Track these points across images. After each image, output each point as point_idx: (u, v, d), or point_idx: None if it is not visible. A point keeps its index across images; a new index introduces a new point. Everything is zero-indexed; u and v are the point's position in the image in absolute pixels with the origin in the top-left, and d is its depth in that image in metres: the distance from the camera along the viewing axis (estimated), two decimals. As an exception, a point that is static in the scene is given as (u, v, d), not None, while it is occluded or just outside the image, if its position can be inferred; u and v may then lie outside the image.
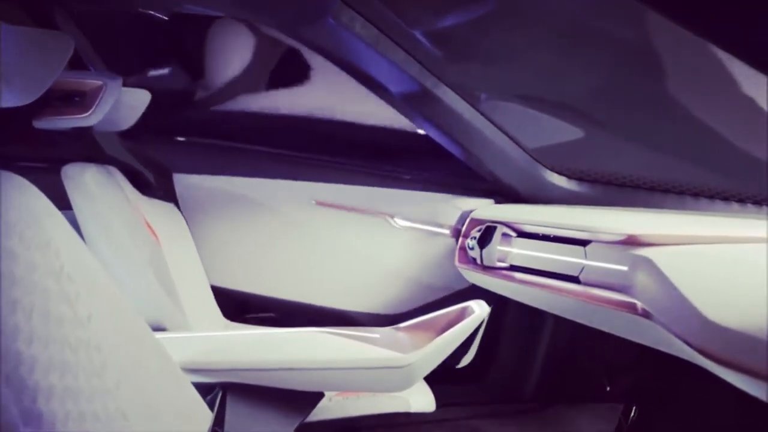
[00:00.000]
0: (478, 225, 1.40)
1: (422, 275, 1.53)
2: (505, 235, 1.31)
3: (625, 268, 1.04)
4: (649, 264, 0.97)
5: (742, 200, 1.37)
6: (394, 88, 1.27)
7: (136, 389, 0.67)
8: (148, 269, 1.06)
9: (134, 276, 1.01)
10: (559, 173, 1.43)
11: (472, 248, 1.40)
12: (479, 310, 0.89)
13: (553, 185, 1.43)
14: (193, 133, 1.62)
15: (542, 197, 1.43)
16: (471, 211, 1.45)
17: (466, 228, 1.43)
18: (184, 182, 1.55)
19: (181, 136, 1.61)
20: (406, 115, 1.37)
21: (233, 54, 1.55)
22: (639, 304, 0.95)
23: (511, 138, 1.38)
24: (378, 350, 0.82)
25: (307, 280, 1.56)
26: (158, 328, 0.96)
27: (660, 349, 0.95)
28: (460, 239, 1.44)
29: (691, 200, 1.39)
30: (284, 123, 1.63)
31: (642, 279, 0.98)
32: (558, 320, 1.43)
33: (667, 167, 1.38)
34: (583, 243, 1.13)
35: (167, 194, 1.52)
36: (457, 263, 1.42)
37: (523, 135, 1.39)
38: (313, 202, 1.54)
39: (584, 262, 1.11)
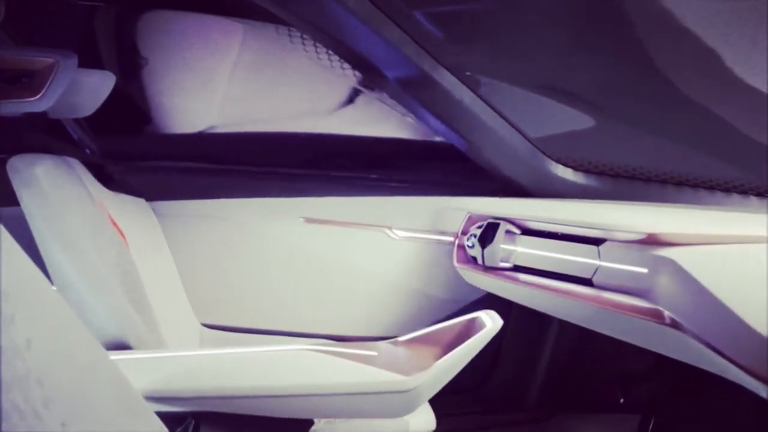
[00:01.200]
0: (478, 221, 1.29)
1: (429, 289, 1.42)
2: (508, 232, 1.20)
3: (644, 271, 0.94)
4: (673, 266, 0.87)
5: (760, 194, 1.28)
6: (388, 70, 1.16)
7: (87, 429, 0.54)
8: (111, 276, 0.93)
9: (94, 285, 0.88)
10: (565, 165, 1.33)
11: (471, 246, 1.29)
12: (491, 323, 0.78)
13: (558, 178, 1.33)
14: (160, 156, 1.48)
15: (546, 191, 1.33)
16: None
17: (465, 225, 1.33)
18: (157, 211, 1.41)
19: (149, 161, 1.46)
20: (399, 101, 1.27)
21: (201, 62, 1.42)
22: (666, 313, 0.85)
23: (513, 126, 1.27)
24: (377, 372, 0.71)
25: (301, 308, 1.43)
26: (122, 346, 0.84)
27: (685, 360, 0.85)
28: (458, 237, 1.33)
29: (706, 194, 1.30)
30: (263, 138, 1.49)
31: (666, 283, 0.88)
32: (563, 324, 1.33)
33: (681, 158, 1.29)
34: (597, 242, 1.03)
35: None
36: (455, 263, 1.31)
37: (525, 123, 1.29)
38: (301, 219, 1.41)
39: (598, 263, 1.01)
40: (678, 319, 0.83)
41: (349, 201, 1.41)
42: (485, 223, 1.25)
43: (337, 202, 1.41)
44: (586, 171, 1.33)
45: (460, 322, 0.81)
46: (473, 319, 0.81)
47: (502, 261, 1.20)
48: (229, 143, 1.48)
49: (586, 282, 1.02)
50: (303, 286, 1.41)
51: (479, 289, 1.31)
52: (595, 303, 0.99)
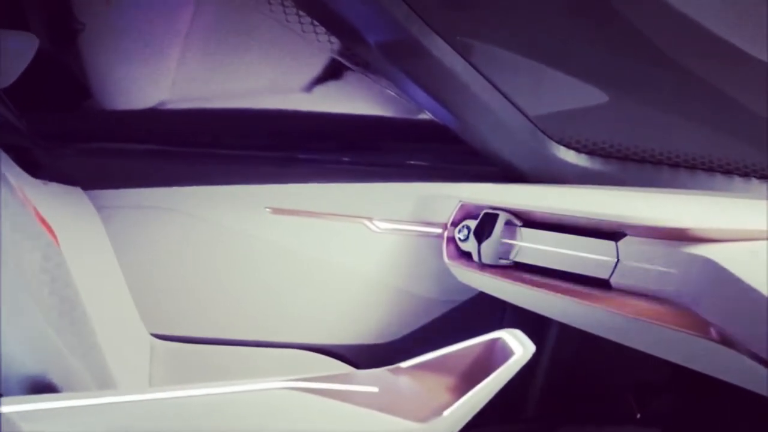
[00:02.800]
0: (472, 211, 1.14)
1: (415, 288, 1.24)
2: (508, 224, 1.05)
3: (674, 271, 0.81)
4: (711, 267, 0.73)
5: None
6: (370, 34, 1.00)
7: None
8: (31, 289, 0.74)
9: (9, 302, 0.69)
10: (567, 146, 1.18)
11: (463, 240, 1.14)
12: (521, 349, 0.63)
13: (559, 160, 1.18)
14: (99, 137, 1.28)
15: (545, 175, 1.18)
16: None
17: (456, 215, 1.17)
18: (96, 202, 1.20)
19: (85, 142, 1.26)
20: (382, 73, 1.11)
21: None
22: (712, 326, 0.72)
23: (511, 102, 1.12)
24: (381, 418, 0.54)
25: (269, 313, 1.24)
26: (41, 386, 0.65)
27: (734, 382, 0.72)
28: (448, 228, 1.18)
29: (723, 179, 1.17)
30: (222, 116, 1.32)
31: (705, 288, 0.75)
32: (563, 327, 1.20)
33: (695, 140, 1.17)
34: (615, 236, 0.89)
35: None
36: (445, 259, 1.16)
37: (524, 99, 1.14)
38: (267, 210, 1.22)
39: (617, 261, 0.88)
40: (729, 334, 0.70)
41: (323, 188, 1.23)
42: (482, 213, 1.09)
43: (308, 189, 1.22)
44: (590, 153, 1.19)
45: (477, 345, 0.66)
46: (494, 341, 0.66)
47: (501, 258, 1.06)
48: (183, 122, 1.31)
49: (603, 283, 0.89)
50: (270, 287, 1.23)
51: (472, 287, 1.16)
52: (615, 309, 0.85)
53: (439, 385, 0.62)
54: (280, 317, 1.23)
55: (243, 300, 1.23)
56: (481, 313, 1.24)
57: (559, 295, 0.93)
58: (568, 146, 1.18)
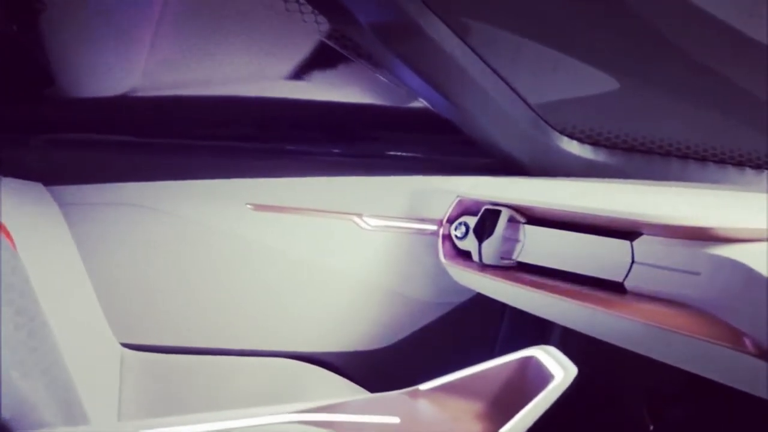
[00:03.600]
0: (471, 207, 1.06)
1: (408, 290, 1.16)
2: (511, 220, 0.98)
3: (695, 274, 0.74)
4: (740, 270, 0.67)
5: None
6: (362, 14, 0.92)
7: None
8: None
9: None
10: (570, 136, 1.11)
11: (461, 237, 1.06)
12: (561, 373, 0.55)
13: (562, 151, 1.11)
14: (62, 128, 1.18)
15: (549, 168, 1.11)
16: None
17: (453, 210, 1.09)
18: (60, 199, 1.10)
19: (48, 133, 1.16)
20: (375, 56, 1.02)
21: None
22: (744, 335, 0.65)
23: (512, 88, 1.04)
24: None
25: (251, 319, 1.14)
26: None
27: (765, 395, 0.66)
28: (444, 225, 1.10)
29: (735, 172, 1.11)
30: (198, 104, 1.22)
31: (731, 292, 0.68)
32: (567, 330, 1.13)
33: (705, 130, 1.10)
34: (629, 235, 0.82)
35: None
36: (441, 258, 1.08)
37: (525, 86, 1.06)
38: (248, 207, 1.12)
39: (632, 262, 0.81)
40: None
41: (309, 182, 1.14)
42: (482, 209, 1.01)
43: (293, 184, 1.13)
44: (594, 144, 1.12)
45: (507, 365, 0.58)
46: (526, 360, 0.58)
47: (503, 258, 0.98)
48: (155, 111, 1.21)
49: (617, 287, 0.82)
50: (251, 291, 1.14)
51: (469, 289, 1.08)
52: (630, 315, 0.78)
53: (466, 411, 0.54)
54: (263, 323, 1.14)
55: (222, 305, 1.13)
56: (480, 316, 1.17)
57: (568, 299, 0.85)
58: (571, 136, 1.11)
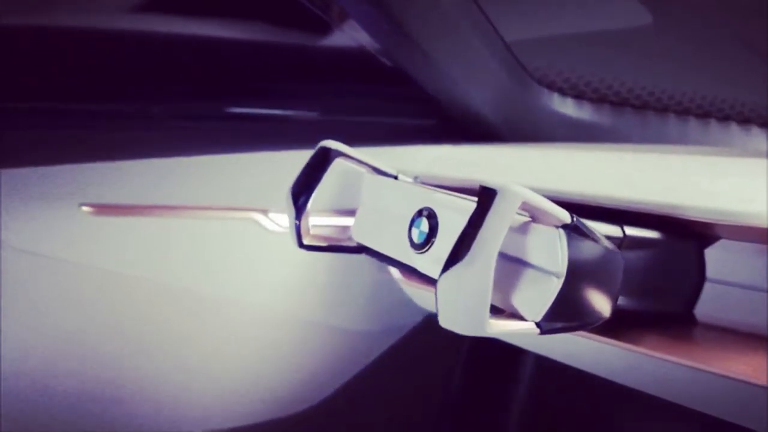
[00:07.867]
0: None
1: (338, 320, 0.78)
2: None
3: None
4: None
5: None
6: None
7: None
8: None
9: None
10: (550, 87, 0.82)
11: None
12: None
13: (540, 107, 0.82)
14: None
15: (528, 131, 0.81)
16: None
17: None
18: None
19: None
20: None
21: None
22: None
23: (487, 18, 0.72)
24: None
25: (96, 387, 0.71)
26: None
27: None
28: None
29: (738, 129, 0.89)
30: None
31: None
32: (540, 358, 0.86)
33: (709, 80, 0.88)
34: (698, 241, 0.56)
35: None
36: (393, 273, 0.73)
37: (499, 17, 0.75)
38: (82, 209, 0.68)
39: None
40: None
41: (181, 164, 0.73)
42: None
43: (149, 168, 0.72)
44: (577, 96, 0.84)
45: None
46: None
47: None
48: None
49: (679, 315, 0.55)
50: (99, 336, 0.72)
51: (420, 309, 0.75)
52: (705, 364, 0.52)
53: None
54: (123, 393, 0.73)
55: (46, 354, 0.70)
56: (436, 344, 0.84)
57: (606, 339, 0.57)
58: (551, 87, 0.82)
